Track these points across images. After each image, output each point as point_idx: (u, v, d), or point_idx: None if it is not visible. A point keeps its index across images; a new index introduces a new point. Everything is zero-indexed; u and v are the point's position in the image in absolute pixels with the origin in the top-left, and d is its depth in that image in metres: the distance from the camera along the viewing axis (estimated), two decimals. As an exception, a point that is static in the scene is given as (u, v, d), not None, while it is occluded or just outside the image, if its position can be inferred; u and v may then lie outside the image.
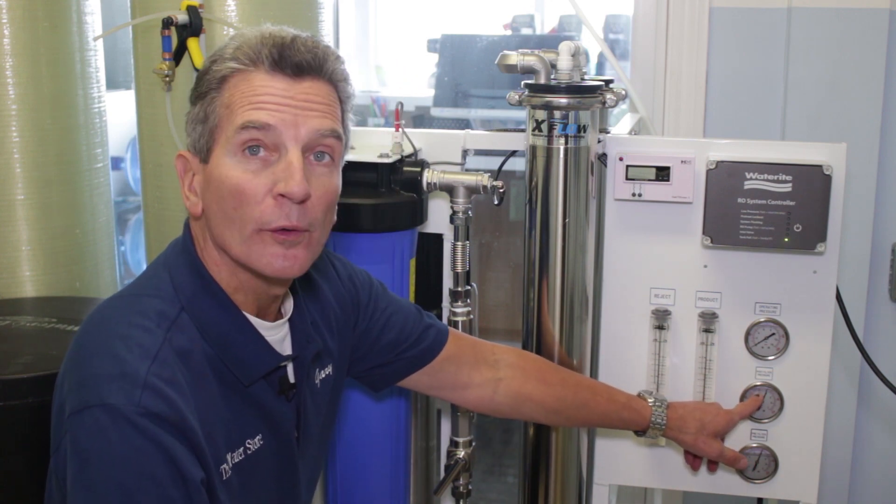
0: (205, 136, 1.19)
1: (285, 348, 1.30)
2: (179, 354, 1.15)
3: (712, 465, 1.69)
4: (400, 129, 1.64)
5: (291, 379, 1.31)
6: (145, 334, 1.14)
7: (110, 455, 1.06)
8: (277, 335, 1.28)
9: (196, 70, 1.92)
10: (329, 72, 1.22)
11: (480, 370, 1.56)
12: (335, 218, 1.26)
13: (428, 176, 1.61)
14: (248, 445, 1.24)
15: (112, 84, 2.49)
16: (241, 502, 1.23)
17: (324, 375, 1.40)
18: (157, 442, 1.07)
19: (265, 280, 1.22)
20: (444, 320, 1.73)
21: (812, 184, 1.53)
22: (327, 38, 2.27)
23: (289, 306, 1.33)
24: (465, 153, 1.76)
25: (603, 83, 1.62)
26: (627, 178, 1.61)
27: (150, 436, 1.07)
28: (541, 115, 1.56)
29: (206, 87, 1.19)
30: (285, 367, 1.29)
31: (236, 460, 1.21)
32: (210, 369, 1.19)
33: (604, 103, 1.57)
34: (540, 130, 1.56)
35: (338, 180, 1.24)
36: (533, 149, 1.58)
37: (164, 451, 1.07)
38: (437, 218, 1.74)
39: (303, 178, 1.15)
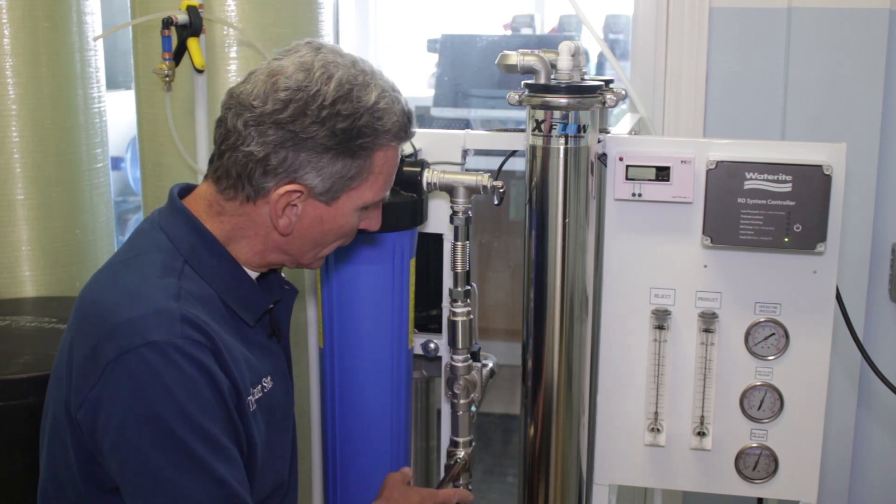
0: (340, 187, 1.31)
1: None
2: (196, 298, 1.26)
3: None
4: (400, 129, 1.64)
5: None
6: (160, 280, 1.25)
7: (163, 387, 1.16)
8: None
9: (197, 70, 1.92)
10: None
11: None
12: None
13: (428, 176, 1.61)
14: (263, 384, 1.34)
15: (112, 84, 2.49)
16: (266, 438, 1.32)
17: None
18: (202, 367, 1.19)
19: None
20: (444, 320, 1.73)
21: (812, 184, 1.53)
22: (327, 39, 2.27)
23: None
24: (465, 153, 1.76)
25: (603, 83, 1.62)
26: (627, 178, 1.61)
27: (196, 362, 1.19)
28: (540, 115, 1.55)
29: (358, 149, 1.30)
30: (272, 309, 1.41)
31: (257, 396, 1.31)
32: (221, 312, 1.30)
33: (604, 103, 1.57)
34: (540, 130, 1.56)
35: None
36: (533, 149, 1.58)
37: (207, 375, 1.19)
38: (437, 218, 1.74)
39: None
